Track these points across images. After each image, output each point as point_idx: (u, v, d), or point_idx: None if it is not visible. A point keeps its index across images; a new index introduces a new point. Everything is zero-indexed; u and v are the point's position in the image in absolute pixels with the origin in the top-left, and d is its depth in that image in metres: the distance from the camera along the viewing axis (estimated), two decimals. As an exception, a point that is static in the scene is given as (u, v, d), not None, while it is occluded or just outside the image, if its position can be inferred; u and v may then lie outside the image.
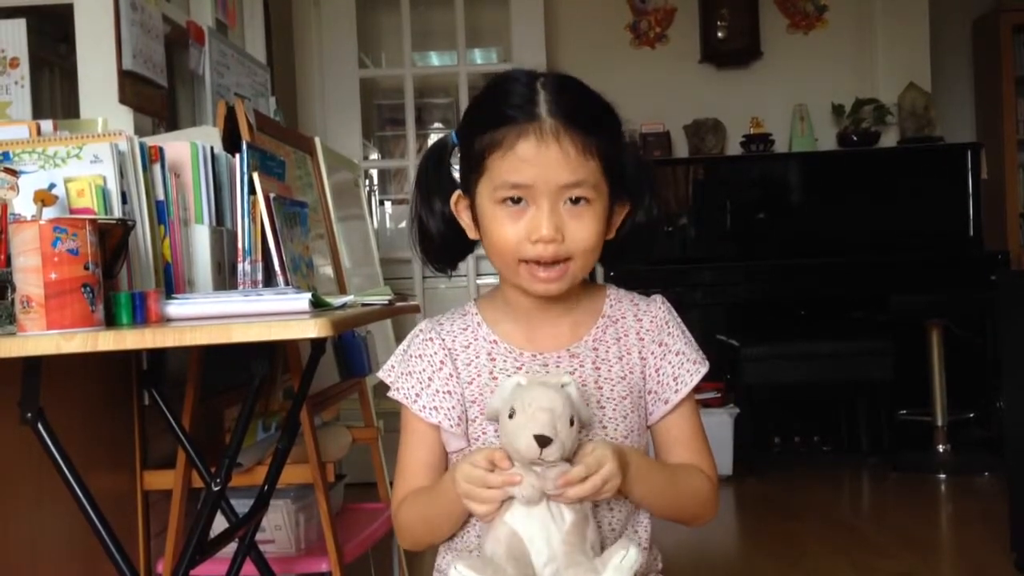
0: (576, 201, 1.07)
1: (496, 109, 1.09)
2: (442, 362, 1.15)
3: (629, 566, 0.98)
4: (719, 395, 4.01)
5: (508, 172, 1.07)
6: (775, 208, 4.54)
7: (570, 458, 1.02)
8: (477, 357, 1.15)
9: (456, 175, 1.17)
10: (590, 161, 1.07)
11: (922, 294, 4.11)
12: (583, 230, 1.08)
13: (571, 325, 1.16)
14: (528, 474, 1.01)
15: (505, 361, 1.14)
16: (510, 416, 1.02)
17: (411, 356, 1.17)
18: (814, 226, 4.48)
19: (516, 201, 1.07)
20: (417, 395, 1.15)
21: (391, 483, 1.21)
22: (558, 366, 1.13)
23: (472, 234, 1.16)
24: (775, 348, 4.05)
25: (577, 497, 1.01)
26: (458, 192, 1.16)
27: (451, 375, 1.15)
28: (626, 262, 1.21)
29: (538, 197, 1.06)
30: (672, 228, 4.48)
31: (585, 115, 1.08)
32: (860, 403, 4.29)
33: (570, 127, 1.06)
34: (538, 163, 1.05)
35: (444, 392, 1.14)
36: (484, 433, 1.13)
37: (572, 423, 1.02)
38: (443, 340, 1.16)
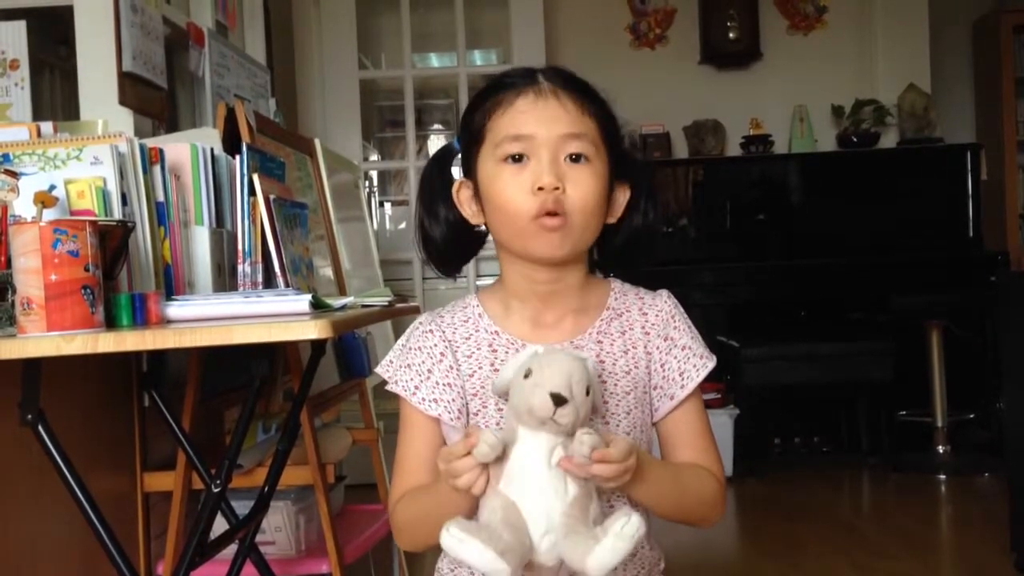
0: (576, 159, 1.09)
1: (495, 83, 1.13)
2: (442, 354, 1.14)
3: (631, 533, 0.95)
4: (719, 396, 4.01)
5: (508, 126, 1.09)
6: (775, 209, 4.54)
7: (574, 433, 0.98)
8: (478, 349, 1.14)
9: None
10: (588, 119, 1.10)
11: (922, 295, 4.11)
12: (583, 184, 1.08)
13: (575, 317, 1.15)
14: (487, 434, 0.97)
15: (507, 353, 1.12)
16: (525, 377, 0.99)
17: (410, 349, 1.16)
18: (814, 227, 4.48)
19: (517, 160, 1.09)
20: (416, 387, 1.14)
21: (391, 482, 1.21)
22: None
23: (476, 220, 1.15)
24: (775, 349, 4.05)
25: (600, 475, 0.97)
26: (460, 180, 1.16)
27: (451, 367, 1.14)
28: (624, 267, 1.21)
29: (538, 148, 1.08)
30: (672, 229, 4.48)
31: (581, 85, 1.12)
32: (860, 404, 4.29)
33: (567, 87, 1.10)
34: (537, 114, 1.09)
35: (444, 384, 1.13)
36: (486, 425, 1.11)
37: (588, 393, 0.99)
38: (443, 332, 1.15)
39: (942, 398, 4.08)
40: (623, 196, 1.15)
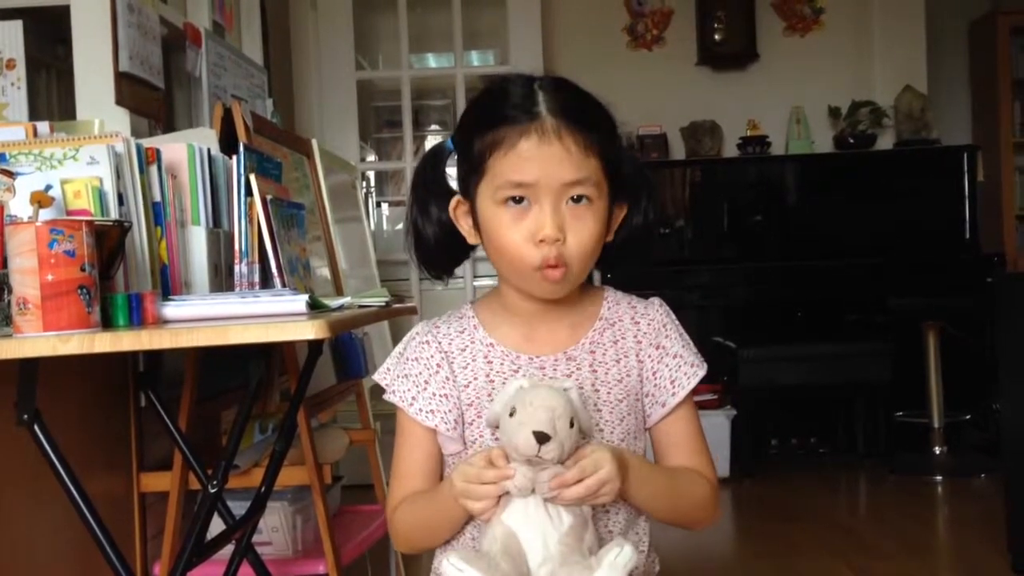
0: (578, 200, 1.08)
1: (495, 110, 1.09)
2: (439, 365, 1.15)
3: (623, 563, 0.98)
4: (716, 397, 4.01)
5: (510, 171, 1.07)
6: (772, 210, 4.54)
7: (563, 461, 1.02)
8: (474, 360, 1.15)
9: (452, 182, 1.17)
10: (591, 159, 1.07)
11: (919, 296, 4.11)
12: (583, 232, 1.08)
13: (568, 328, 1.16)
14: (524, 467, 1.01)
15: (502, 364, 1.14)
16: (511, 415, 1.02)
17: (407, 359, 1.17)
18: (811, 228, 4.48)
19: (518, 201, 1.07)
20: (413, 398, 1.15)
21: (388, 485, 1.21)
22: (555, 369, 1.13)
23: (472, 239, 1.15)
24: (772, 350, 4.05)
25: (573, 498, 1.01)
26: (457, 198, 1.15)
27: (447, 378, 1.14)
28: (622, 266, 1.21)
29: (540, 196, 1.06)
30: (669, 230, 4.48)
31: (584, 114, 1.09)
32: (857, 405, 4.29)
33: (570, 125, 1.07)
34: (540, 161, 1.06)
35: (440, 395, 1.14)
36: (481, 436, 1.13)
37: (572, 425, 1.02)
38: (439, 343, 1.16)
39: (939, 399, 4.09)
40: (621, 213, 1.15)
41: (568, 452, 1.02)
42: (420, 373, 1.15)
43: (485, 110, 1.12)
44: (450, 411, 1.14)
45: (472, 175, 1.11)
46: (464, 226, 1.15)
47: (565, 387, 1.05)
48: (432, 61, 5.58)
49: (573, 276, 1.10)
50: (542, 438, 0.99)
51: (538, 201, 1.07)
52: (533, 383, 1.05)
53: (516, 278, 1.11)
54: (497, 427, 1.07)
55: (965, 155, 4.49)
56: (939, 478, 3.96)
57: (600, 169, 1.08)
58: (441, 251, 1.18)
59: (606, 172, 1.09)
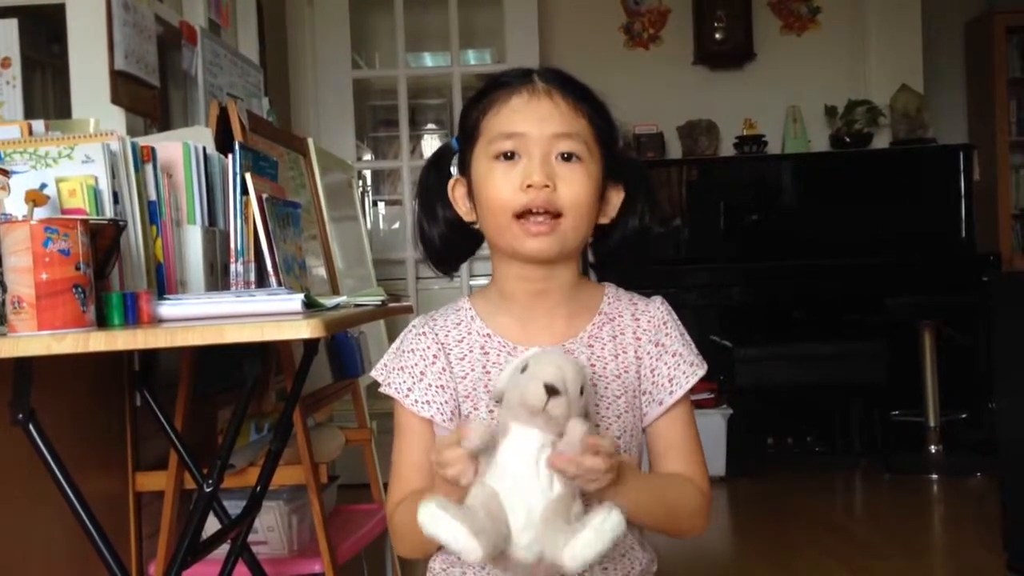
0: (568, 158, 1.09)
1: (492, 83, 1.14)
2: (435, 356, 1.15)
3: (610, 527, 0.93)
4: (713, 396, 4.01)
5: (501, 124, 1.10)
6: (768, 209, 4.54)
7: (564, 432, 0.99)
8: (471, 351, 1.14)
9: None
10: (581, 119, 1.10)
11: (915, 296, 4.11)
12: (575, 184, 1.09)
13: (566, 320, 1.15)
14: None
15: (499, 355, 1.13)
16: (522, 371, 1.00)
17: (403, 351, 1.17)
18: (807, 227, 4.48)
19: (509, 157, 1.09)
20: (409, 389, 1.15)
21: (384, 484, 1.21)
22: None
23: (469, 216, 1.16)
24: (768, 349, 4.05)
25: (590, 467, 0.97)
26: (455, 177, 1.17)
27: (444, 369, 1.14)
28: (618, 266, 1.21)
29: (530, 146, 1.09)
30: (666, 229, 4.48)
31: (576, 86, 1.13)
32: (853, 404, 4.30)
33: (561, 87, 1.11)
34: (529, 113, 1.09)
35: (437, 386, 1.14)
36: None
37: (582, 393, 1.00)
38: (436, 335, 1.16)
39: (934, 398, 4.09)
40: (617, 197, 1.15)
41: (576, 414, 0.99)
42: (416, 364, 1.15)
43: (483, 90, 1.15)
44: (446, 402, 1.13)
45: (468, 144, 1.14)
46: (462, 206, 1.16)
47: (580, 361, 1.04)
48: (429, 60, 5.57)
49: (565, 231, 1.09)
50: (552, 391, 0.97)
51: (527, 153, 1.09)
52: (546, 349, 1.04)
53: (503, 235, 1.10)
54: (499, 402, 1.04)
55: (961, 154, 4.49)
56: (935, 477, 3.97)
57: (590, 133, 1.11)
58: (447, 248, 1.19)
59: (597, 140, 1.12)
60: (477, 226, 1.16)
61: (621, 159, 1.16)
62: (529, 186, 1.07)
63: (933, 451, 4.09)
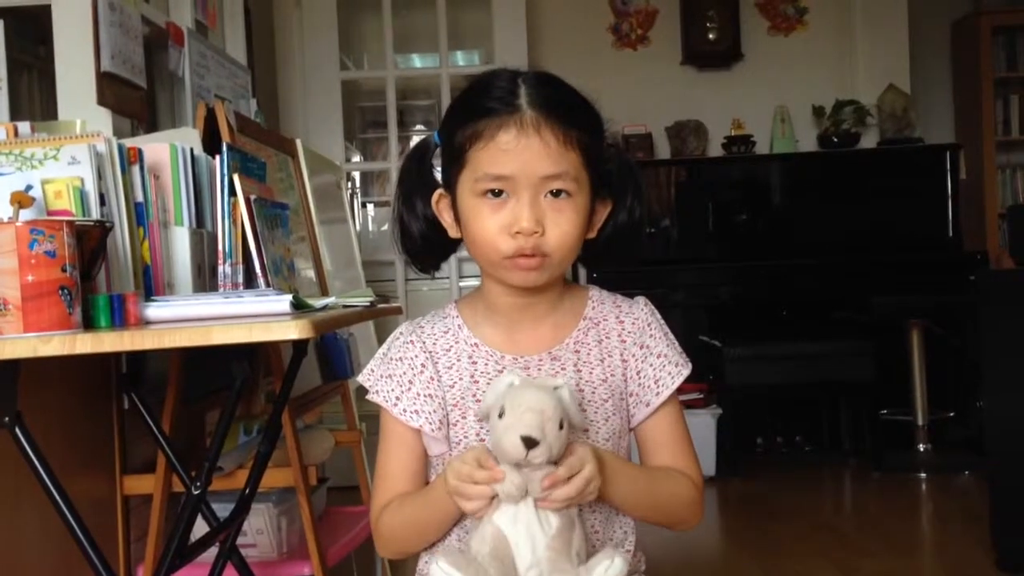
0: (557, 194, 1.07)
1: (477, 102, 1.09)
2: (423, 365, 1.14)
3: (613, 575, 0.97)
4: (702, 396, 4.02)
5: (489, 164, 1.06)
6: (757, 209, 4.56)
7: (557, 462, 1.02)
8: (458, 360, 1.14)
9: (438, 175, 1.17)
10: (571, 152, 1.07)
11: (902, 295, 4.13)
12: (563, 224, 1.07)
13: (553, 327, 1.16)
14: (513, 473, 1.00)
15: (486, 364, 1.13)
16: (500, 416, 1.01)
17: (391, 359, 1.16)
18: (795, 227, 4.50)
19: (497, 194, 1.07)
20: (397, 398, 1.14)
21: (373, 495, 1.20)
22: (539, 369, 1.13)
23: (454, 232, 1.15)
24: (757, 349, 4.06)
25: (564, 498, 1.00)
26: (439, 191, 1.15)
27: (432, 378, 1.14)
28: (608, 263, 1.21)
29: (519, 189, 1.06)
30: (655, 229, 4.49)
31: (565, 107, 1.08)
32: (842, 403, 4.31)
33: (550, 118, 1.06)
34: (519, 154, 1.05)
35: (425, 396, 1.13)
36: (466, 436, 1.12)
37: (561, 427, 1.01)
38: (424, 343, 1.16)
39: (923, 397, 4.11)
40: (604, 211, 1.14)
41: (557, 455, 1.01)
42: (404, 373, 1.15)
43: (467, 103, 1.11)
44: (435, 411, 1.13)
45: (453, 166, 1.11)
46: (446, 219, 1.15)
47: (556, 386, 1.04)
48: (417, 61, 5.57)
49: (552, 266, 1.09)
50: (530, 443, 0.98)
51: (516, 194, 1.06)
52: (524, 381, 1.04)
53: (491, 268, 1.11)
54: (487, 420, 1.07)
55: (948, 154, 4.51)
56: (923, 475, 3.98)
57: (580, 163, 1.08)
58: (427, 246, 1.18)
59: (587, 166, 1.09)
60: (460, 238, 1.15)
61: (608, 172, 1.13)
62: (518, 232, 1.06)
63: (921, 449, 4.10)
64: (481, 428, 1.11)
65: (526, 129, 1.05)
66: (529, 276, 1.09)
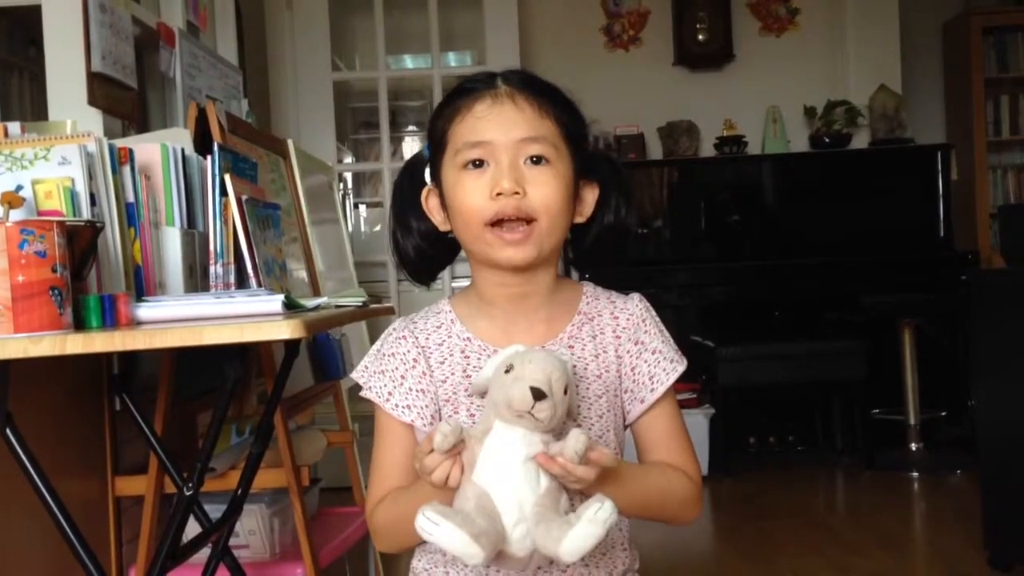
0: (537, 161, 1.09)
1: (456, 90, 1.14)
2: (415, 360, 1.14)
3: (604, 518, 0.95)
4: (695, 396, 4.02)
5: (466, 133, 1.09)
6: (749, 209, 4.56)
7: (555, 434, 1.00)
8: (451, 355, 1.14)
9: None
10: (546, 121, 1.10)
11: (894, 294, 4.14)
12: (545, 186, 1.08)
13: (546, 322, 1.15)
14: (443, 425, 0.98)
15: (479, 359, 1.13)
16: (506, 372, 1.00)
17: (384, 355, 1.16)
18: (787, 227, 4.51)
19: (478, 165, 1.09)
20: (390, 394, 1.14)
21: (366, 487, 1.20)
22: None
23: (444, 226, 1.15)
24: (750, 349, 4.07)
25: (578, 476, 0.98)
26: (428, 188, 1.16)
27: (424, 373, 1.14)
28: (597, 263, 1.20)
29: (497, 153, 1.08)
30: (647, 230, 4.50)
31: (539, 85, 1.12)
32: (834, 403, 4.32)
33: (524, 90, 1.10)
34: (494, 119, 1.08)
35: (417, 391, 1.13)
36: None
37: (566, 392, 1.01)
38: (416, 338, 1.15)
39: (914, 396, 4.12)
40: (591, 195, 1.15)
41: (560, 418, 1.00)
42: (396, 368, 1.15)
43: (449, 97, 1.15)
44: (427, 406, 1.13)
45: (437, 154, 1.13)
46: (436, 216, 1.15)
47: (563, 358, 1.04)
48: (409, 62, 5.57)
49: (540, 235, 1.08)
50: (538, 394, 0.97)
51: (495, 160, 1.08)
52: (530, 348, 1.04)
53: (478, 245, 1.10)
54: (480, 396, 1.06)
55: (939, 154, 4.53)
56: (915, 474, 3.99)
57: (557, 133, 1.10)
58: (422, 260, 1.19)
59: (565, 139, 1.11)
60: (452, 235, 1.16)
61: (592, 155, 1.15)
62: (499, 194, 1.06)
63: (913, 449, 4.12)
64: (473, 423, 1.10)
65: (500, 98, 1.10)
66: (518, 252, 1.08)
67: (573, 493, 1.05)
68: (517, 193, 1.06)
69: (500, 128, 1.08)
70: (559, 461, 0.97)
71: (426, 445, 1.00)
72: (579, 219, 1.14)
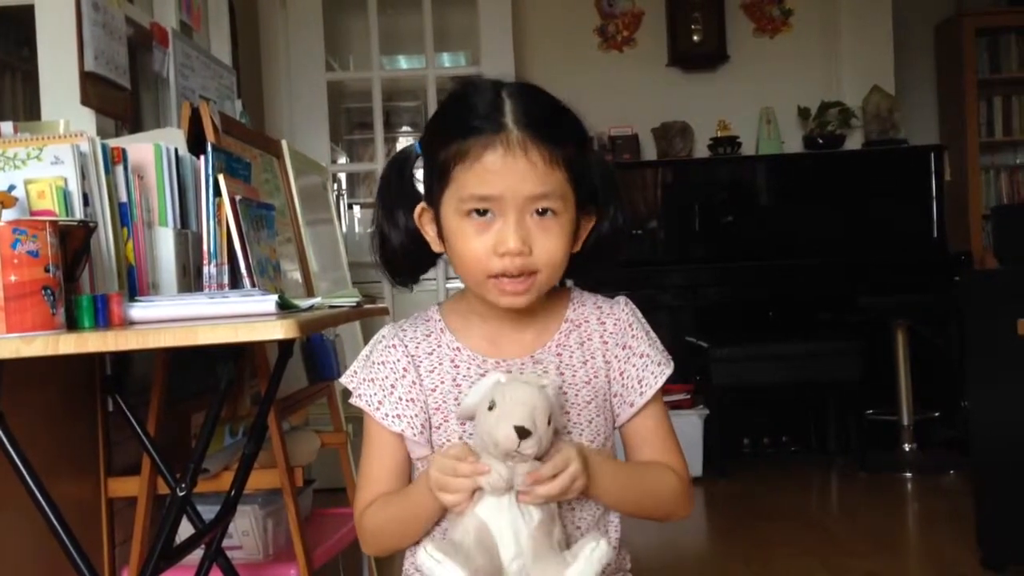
0: (543, 213, 1.06)
1: (461, 119, 1.07)
2: (405, 369, 1.14)
3: (599, 558, 0.98)
4: (689, 397, 4.03)
5: (474, 184, 1.05)
6: (743, 210, 4.57)
7: (542, 458, 1.02)
8: (440, 364, 1.14)
9: (419, 185, 1.16)
10: (557, 171, 1.06)
11: (888, 295, 4.15)
12: (550, 242, 1.07)
13: (535, 331, 1.15)
14: (499, 465, 1.01)
15: (469, 368, 1.13)
16: (489, 408, 1.02)
17: (373, 363, 1.16)
18: (781, 228, 4.51)
19: (482, 213, 1.06)
20: (380, 403, 1.14)
21: (357, 494, 1.20)
22: (522, 373, 1.12)
23: (437, 247, 1.14)
24: (744, 349, 4.07)
25: (546, 495, 1.01)
26: (422, 205, 1.14)
27: (414, 382, 1.13)
28: (593, 273, 1.20)
29: (505, 209, 1.05)
30: (641, 231, 4.50)
31: (552, 125, 1.07)
32: (828, 403, 4.33)
33: (537, 137, 1.05)
34: (505, 174, 1.04)
35: (407, 400, 1.13)
36: (448, 440, 1.12)
37: (549, 422, 1.02)
38: (406, 346, 1.15)
39: (908, 397, 4.13)
40: (588, 224, 1.14)
41: (545, 449, 1.02)
42: (387, 377, 1.14)
43: (451, 119, 1.10)
44: (416, 416, 1.13)
45: (437, 184, 1.09)
46: (429, 233, 1.14)
47: (543, 384, 1.04)
48: (403, 63, 5.57)
49: (540, 285, 1.09)
50: (523, 433, 0.99)
51: (502, 214, 1.05)
52: (511, 378, 1.05)
53: (477, 288, 1.10)
54: (469, 420, 1.07)
55: (932, 155, 4.54)
56: (909, 475, 4.00)
57: (566, 181, 1.07)
58: (407, 258, 1.17)
59: (572, 184, 1.08)
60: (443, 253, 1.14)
61: (594, 189, 1.12)
62: (504, 253, 1.05)
63: (907, 449, 4.12)
64: (464, 432, 1.11)
65: (513, 149, 1.04)
66: (516, 300, 1.08)
67: (575, 502, 1.08)
68: (522, 253, 1.05)
69: (510, 184, 1.04)
70: (539, 492, 1.00)
71: (464, 469, 1.01)
72: (575, 249, 1.12)
